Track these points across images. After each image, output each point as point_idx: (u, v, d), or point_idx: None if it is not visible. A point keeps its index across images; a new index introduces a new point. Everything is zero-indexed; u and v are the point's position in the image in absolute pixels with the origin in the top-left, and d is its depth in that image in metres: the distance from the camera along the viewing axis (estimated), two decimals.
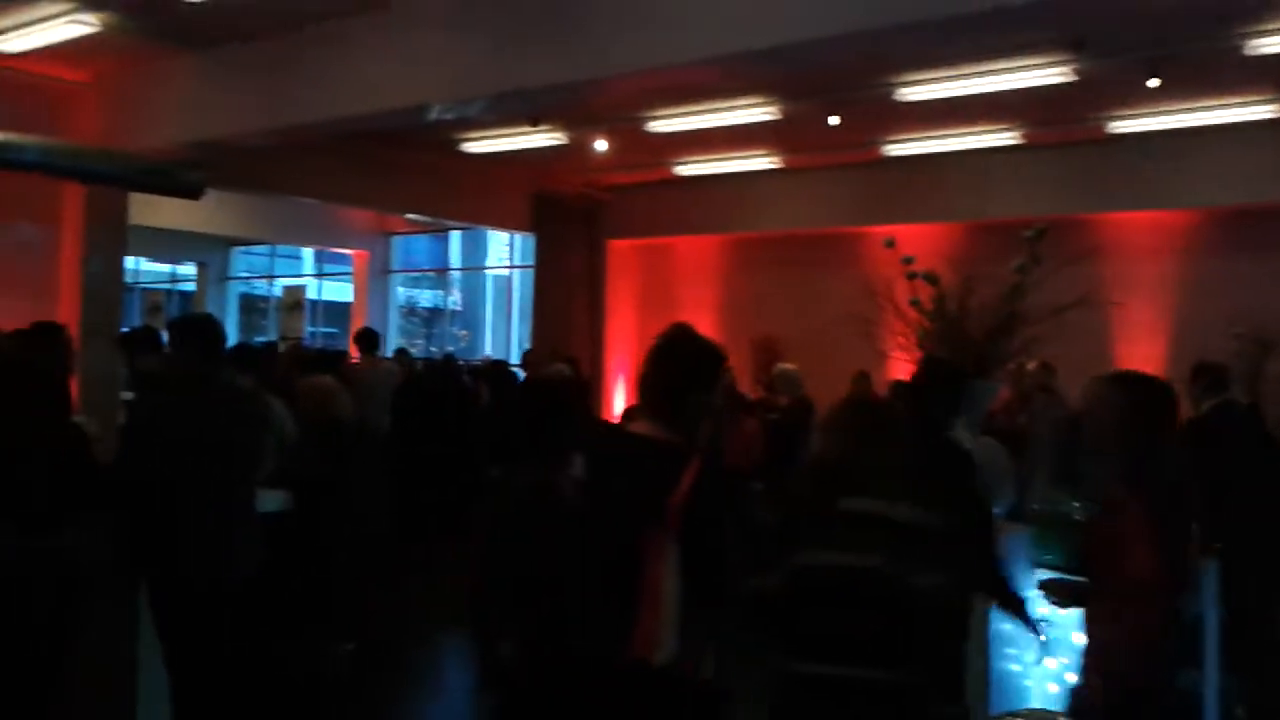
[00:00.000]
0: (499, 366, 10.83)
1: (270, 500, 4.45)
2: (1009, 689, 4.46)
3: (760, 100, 9.41)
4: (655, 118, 10.04)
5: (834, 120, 9.46)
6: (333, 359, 7.94)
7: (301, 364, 6.23)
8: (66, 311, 9.38)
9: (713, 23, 6.21)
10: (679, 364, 2.82)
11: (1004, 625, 4.25)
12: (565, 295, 13.98)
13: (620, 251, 14.40)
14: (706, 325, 13.90)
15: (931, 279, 5.01)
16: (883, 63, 8.30)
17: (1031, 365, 7.60)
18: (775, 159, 11.71)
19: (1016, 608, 3.85)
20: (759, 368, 10.58)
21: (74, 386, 4.85)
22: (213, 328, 4.28)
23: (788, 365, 8.62)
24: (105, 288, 10.03)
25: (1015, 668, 4.47)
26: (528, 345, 14.92)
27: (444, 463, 8.04)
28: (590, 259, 14.23)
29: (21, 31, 8.23)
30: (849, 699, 2.81)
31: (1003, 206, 10.52)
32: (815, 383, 8.39)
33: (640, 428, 2.82)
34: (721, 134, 10.38)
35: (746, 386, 9.25)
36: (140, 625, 4.39)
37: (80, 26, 8.02)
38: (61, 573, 3.93)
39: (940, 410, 4.05)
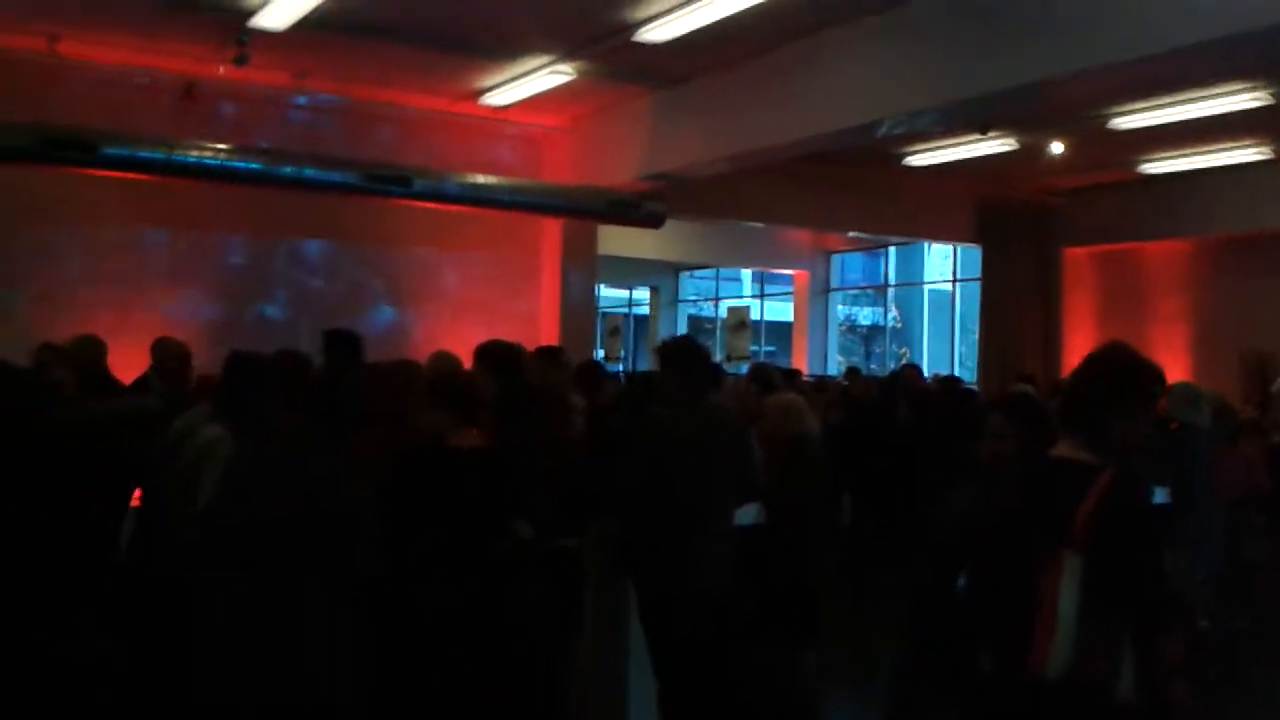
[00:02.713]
0: (950, 383, 10.47)
1: (744, 513, 4.60)
2: None
3: (1246, 85, 8.44)
4: (1119, 114, 9.36)
5: None
6: (790, 375, 8.14)
7: (761, 382, 6.45)
8: (546, 334, 10.39)
9: (1192, 6, 5.61)
10: (1102, 381, 2.77)
11: None
12: (1015, 308, 13.34)
13: (1077, 260, 13.53)
14: (1181, 338, 12.66)
15: None
16: None
17: None
18: (1265, 149, 10.45)
19: None
20: (1250, 385, 9.46)
21: None
22: (699, 351, 4.61)
23: None
24: (580, 312, 11.03)
25: None
26: (971, 361, 14.40)
27: (896, 478, 7.92)
28: (1043, 269, 13.47)
29: (509, 86, 9.30)
30: None
31: None
32: None
33: (1058, 449, 2.78)
34: (1198, 126, 9.45)
35: (1235, 405, 8.27)
36: (630, 631, 4.68)
37: (558, 76, 8.88)
38: (566, 575, 4.29)
39: None
